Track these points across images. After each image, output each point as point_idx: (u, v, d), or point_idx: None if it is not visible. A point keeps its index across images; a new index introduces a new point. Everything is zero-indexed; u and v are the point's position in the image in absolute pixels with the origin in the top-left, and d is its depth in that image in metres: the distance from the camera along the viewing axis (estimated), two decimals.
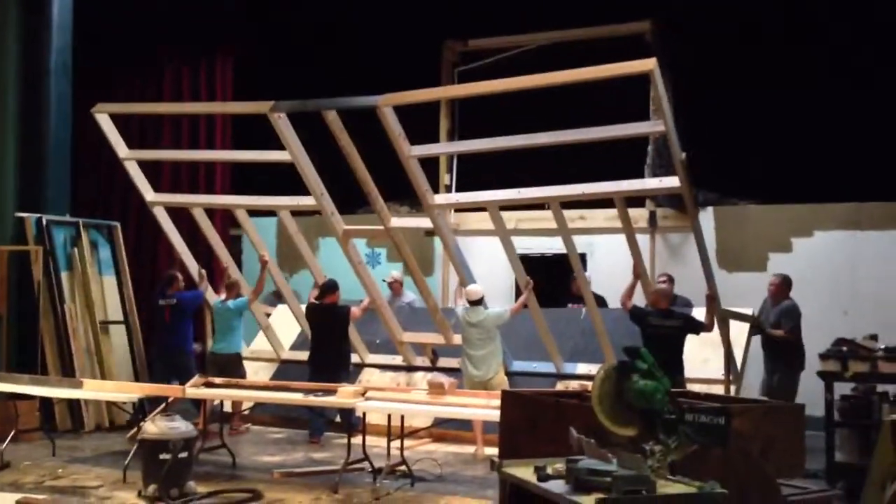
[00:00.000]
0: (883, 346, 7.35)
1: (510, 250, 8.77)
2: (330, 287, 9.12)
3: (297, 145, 8.71)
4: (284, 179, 9.41)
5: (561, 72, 7.41)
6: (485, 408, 7.10)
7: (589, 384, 4.40)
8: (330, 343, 8.95)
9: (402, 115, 8.22)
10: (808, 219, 10.32)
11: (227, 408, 9.22)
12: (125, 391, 8.28)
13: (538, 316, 8.91)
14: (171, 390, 7.95)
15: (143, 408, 8.43)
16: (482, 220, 10.51)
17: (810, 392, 7.67)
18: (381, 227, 9.09)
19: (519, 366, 9.40)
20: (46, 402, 8.94)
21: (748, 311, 8.68)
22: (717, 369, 8.37)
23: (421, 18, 11.39)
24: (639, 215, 10.45)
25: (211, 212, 10.57)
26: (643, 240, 10.09)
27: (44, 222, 9.78)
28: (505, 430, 5.29)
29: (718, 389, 7.88)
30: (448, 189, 11.74)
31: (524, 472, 3.69)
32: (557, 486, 3.46)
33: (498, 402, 5.79)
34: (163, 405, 7.62)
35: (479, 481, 7.33)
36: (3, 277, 9.59)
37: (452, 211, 11.08)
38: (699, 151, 7.77)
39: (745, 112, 10.09)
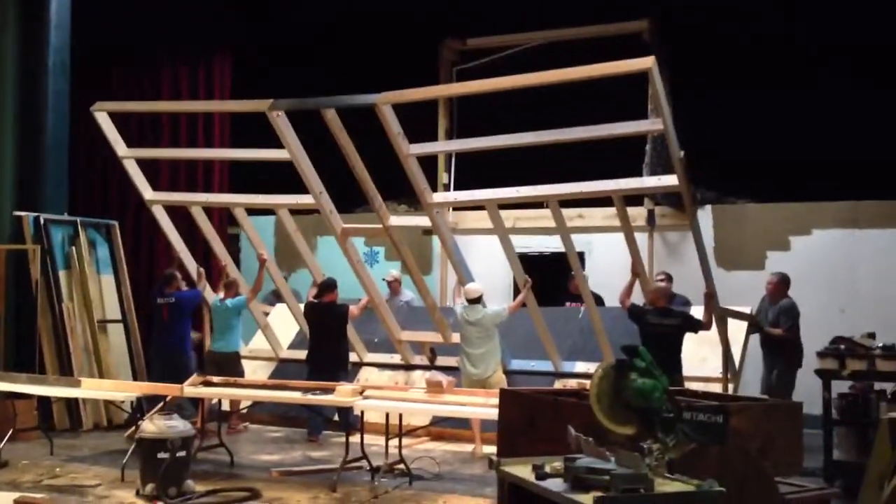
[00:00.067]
0: (880, 345, 7.36)
1: (508, 249, 8.78)
2: (328, 286, 9.12)
3: (296, 144, 8.71)
4: (283, 178, 9.40)
5: (559, 70, 7.42)
6: (483, 406, 7.11)
7: (587, 383, 4.40)
8: (328, 342, 8.95)
9: (401, 115, 8.22)
10: (806, 217, 10.33)
11: (226, 406, 9.22)
12: (123, 390, 8.27)
13: (536, 314, 8.92)
14: (170, 389, 7.95)
15: (142, 407, 8.42)
16: (480, 219, 10.51)
17: (808, 390, 7.68)
18: (380, 226, 9.09)
19: (517, 364, 9.41)
20: (44, 401, 8.94)
21: (746, 310, 8.69)
22: (715, 368, 8.38)
23: (419, 17, 11.38)
24: (637, 214, 10.45)
25: (209, 210, 10.57)
26: (641, 238, 10.10)
27: (41, 221, 9.78)
28: (503, 429, 5.29)
29: (716, 388, 7.89)
30: (446, 188, 11.74)
31: (522, 470, 3.69)
32: (556, 485, 3.46)
33: (496, 401, 5.79)
34: (161, 404, 7.61)
35: (478, 480, 7.33)
36: (0, 276, 9.58)
37: (451, 209, 11.08)
38: (697, 150, 7.77)
39: (743, 111, 10.09)
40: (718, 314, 7.99)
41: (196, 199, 10.32)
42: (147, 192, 10.04)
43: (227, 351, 9.39)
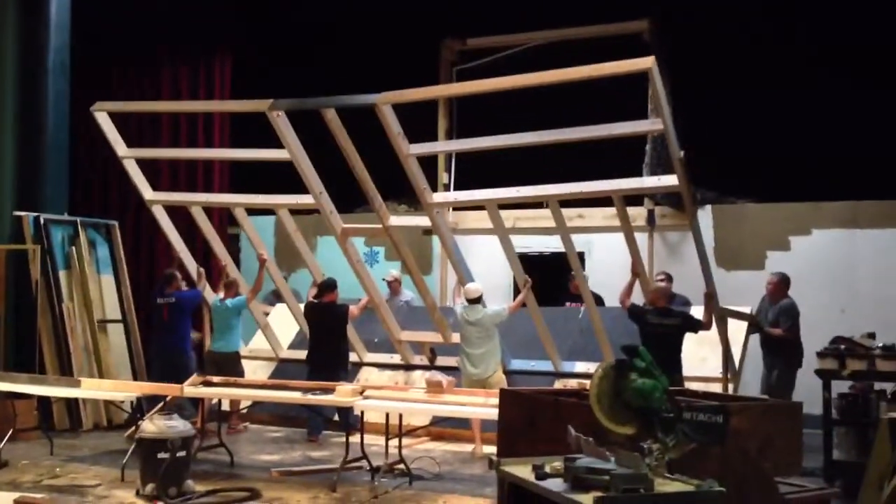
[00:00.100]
0: (880, 345, 7.35)
1: (508, 249, 8.78)
2: (328, 286, 9.13)
3: (296, 144, 8.71)
4: (283, 178, 9.40)
5: (559, 70, 7.41)
6: (483, 406, 7.10)
7: (587, 383, 4.40)
8: (328, 342, 8.95)
9: (401, 115, 8.22)
10: (806, 217, 10.33)
11: (226, 406, 9.22)
12: (123, 390, 8.27)
13: (537, 314, 8.92)
14: (169, 389, 7.95)
15: (142, 407, 8.42)
16: (480, 219, 10.51)
17: (808, 390, 7.68)
18: (380, 226, 9.09)
19: (517, 364, 9.40)
20: (44, 401, 8.93)
21: (746, 310, 8.69)
22: (715, 368, 8.38)
23: (419, 17, 11.38)
24: (637, 214, 10.45)
25: (209, 210, 10.57)
26: (641, 238, 10.11)
27: (42, 221, 9.78)
28: (503, 429, 5.29)
29: (716, 388, 7.89)
30: (446, 188, 11.74)
31: (522, 470, 3.68)
32: (556, 485, 3.45)
33: (496, 401, 5.79)
34: (161, 404, 7.61)
35: (478, 480, 7.33)
36: (0, 276, 9.58)
37: (451, 209, 11.08)
38: (697, 150, 7.77)
39: (743, 110, 10.09)
40: (718, 314, 7.99)
41: (196, 199, 10.32)
42: (147, 192, 10.04)
43: (227, 351, 9.39)
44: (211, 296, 9.97)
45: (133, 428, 8.12)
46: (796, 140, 9.84)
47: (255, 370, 10.40)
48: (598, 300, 9.50)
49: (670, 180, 7.65)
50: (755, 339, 8.79)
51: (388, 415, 7.60)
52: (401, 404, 7.51)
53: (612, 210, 8.89)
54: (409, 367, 10.03)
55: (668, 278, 9.11)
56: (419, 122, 9.99)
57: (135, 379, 9.98)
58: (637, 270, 8.42)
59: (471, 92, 8.80)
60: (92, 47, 11.69)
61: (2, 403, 8.45)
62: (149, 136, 12.41)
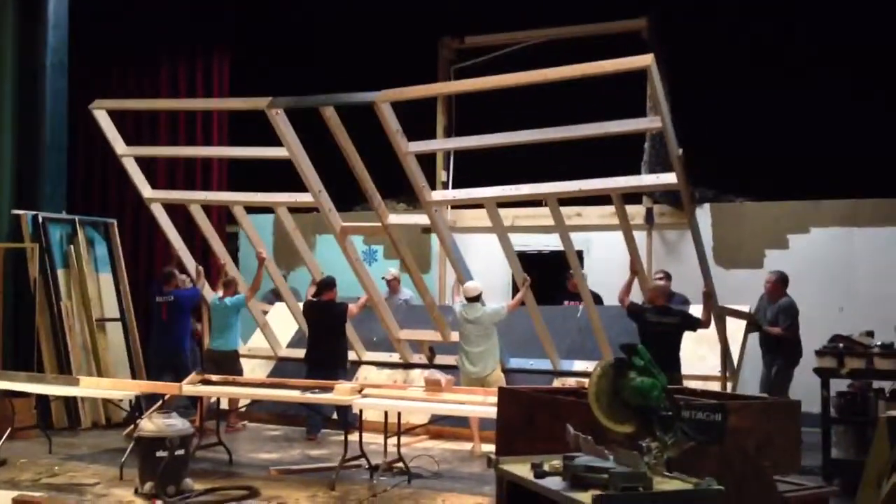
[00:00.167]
0: (879, 343, 7.36)
1: (507, 247, 8.77)
2: (327, 284, 9.12)
3: (295, 142, 8.70)
4: (282, 176, 9.39)
5: (558, 68, 7.41)
6: (482, 405, 7.10)
7: (585, 381, 4.40)
8: (327, 340, 8.95)
9: (399, 113, 8.22)
10: (805, 215, 10.33)
11: (225, 405, 9.22)
12: (122, 388, 8.27)
13: (535, 313, 8.91)
14: (168, 388, 7.94)
15: (140, 405, 8.42)
16: (479, 217, 10.51)
17: (807, 388, 7.68)
18: (379, 224, 9.08)
19: (516, 363, 9.40)
20: (43, 400, 8.92)
21: (745, 309, 8.69)
22: (714, 366, 8.38)
23: (417, 16, 11.38)
24: (635, 212, 10.45)
25: (208, 209, 10.57)
26: (640, 237, 10.10)
27: (40, 219, 9.77)
28: (502, 427, 5.29)
29: (715, 386, 7.90)
30: (445, 186, 11.73)
31: (521, 468, 3.68)
32: (554, 483, 3.45)
33: (495, 399, 5.79)
34: (159, 402, 7.61)
35: (476, 478, 7.33)
36: None
37: (449, 208, 11.08)
38: (695, 149, 7.77)
39: (742, 109, 10.09)
40: (717, 313, 7.99)
41: (195, 198, 10.32)
42: (146, 190, 10.03)
43: (225, 349, 9.38)
44: (210, 294, 9.97)
45: (132, 426, 8.12)
46: (795, 139, 9.85)
47: (254, 369, 10.40)
48: (597, 299, 9.49)
49: (669, 178, 7.65)
50: (754, 337, 8.79)
51: (386, 413, 7.59)
52: (399, 403, 7.51)
53: (610, 208, 8.89)
54: (407, 366, 10.03)
55: (667, 277, 9.12)
56: (418, 120, 9.99)
57: (133, 377, 9.98)
58: (636, 269, 8.43)
59: (469, 90, 8.79)
60: (90, 46, 11.68)
61: (0, 402, 8.46)
62: (147, 134, 12.41)
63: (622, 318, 8.32)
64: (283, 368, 10.16)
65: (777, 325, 8.54)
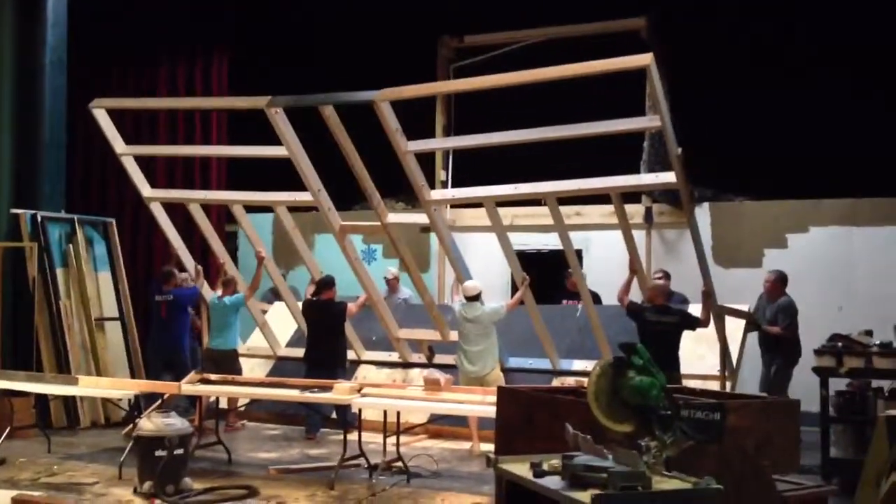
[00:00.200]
0: (878, 342, 7.36)
1: (506, 246, 8.77)
2: (326, 283, 9.12)
3: (294, 141, 8.70)
4: (281, 175, 9.38)
5: (557, 67, 7.41)
6: (480, 404, 7.10)
7: (585, 380, 4.40)
8: (326, 339, 8.95)
9: (399, 113, 8.21)
10: (804, 215, 10.33)
11: (224, 404, 9.21)
12: (121, 388, 8.27)
13: (534, 312, 8.91)
14: (167, 387, 7.94)
15: (139, 404, 8.42)
16: (478, 217, 10.51)
17: (806, 388, 7.68)
18: (378, 224, 9.08)
19: (515, 362, 9.40)
20: (42, 399, 8.93)
21: (744, 308, 8.69)
22: (713, 365, 8.38)
23: (416, 15, 11.38)
24: (634, 211, 10.45)
25: (207, 208, 10.56)
26: (639, 236, 10.10)
27: (39, 218, 9.76)
28: (501, 427, 5.29)
29: (714, 385, 7.90)
30: (444, 185, 11.73)
31: (520, 468, 3.68)
32: (553, 482, 3.45)
33: (494, 399, 5.79)
34: (158, 402, 7.61)
35: (475, 477, 7.33)
36: None
37: (448, 207, 11.07)
38: (695, 148, 7.77)
39: (741, 108, 10.09)
40: (716, 312, 7.99)
41: (194, 197, 10.31)
42: (145, 190, 10.02)
43: (225, 348, 9.38)
44: (209, 293, 9.96)
45: (130, 426, 8.12)
46: (794, 138, 9.85)
47: (253, 368, 10.39)
48: (595, 298, 9.48)
49: (668, 177, 7.65)
50: (754, 337, 8.79)
51: (385, 412, 7.59)
52: (399, 402, 7.51)
53: (609, 207, 8.88)
54: (407, 365, 10.03)
55: (666, 276, 9.12)
56: (417, 119, 9.98)
57: (132, 377, 9.97)
58: (635, 268, 8.42)
59: (469, 89, 8.79)
60: (90, 45, 11.67)
61: None
62: (146, 134, 12.40)
63: (621, 317, 8.32)
64: (282, 368, 10.16)
65: (776, 325, 8.54)
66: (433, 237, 11.08)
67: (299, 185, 9.06)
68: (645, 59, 6.99)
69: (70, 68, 10.39)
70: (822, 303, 9.54)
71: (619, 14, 10.78)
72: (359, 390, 7.47)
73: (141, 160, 10.26)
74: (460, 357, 8.56)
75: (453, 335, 9.00)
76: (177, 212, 10.45)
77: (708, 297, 7.91)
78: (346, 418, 7.92)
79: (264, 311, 10.84)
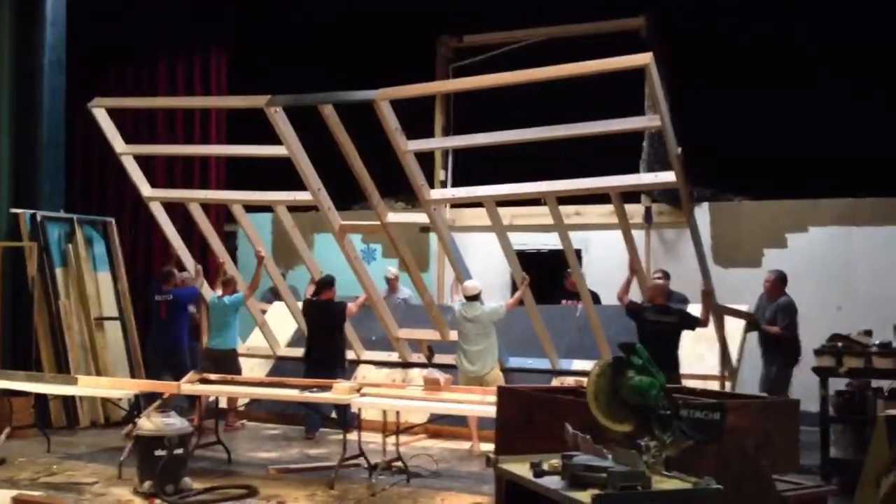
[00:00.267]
0: (877, 342, 7.36)
1: (506, 246, 8.77)
2: (326, 283, 9.12)
3: (294, 140, 8.69)
4: (281, 175, 9.38)
5: (557, 66, 7.40)
6: (480, 404, 7.10)
7: (584, 380, 4.40)
8: (326, 339, 8.94)
9: (398, 112, 8.21)
10: (803, 214, 10.34)
11: (223, 404, 9.21)
12: (120, 387, 8.27)
13: (534, 312, 8.91)
14: (167, 387, 7.93)
15: (139, 404, 8.41)
16: (478, 216, 10.51)
17: (805, 387, 7.69)
18: (378, 223, 9.08)
19: (515, 362, 9.40)
20: (41, 399, 8.92)
21: (744, 308, 8.69)
22: (712, 365, 8.39)
23: (416, 15, 11.37)
24: (634, 211, 10.44)
25: (206, 207, 10.55)
26: (638, 236, 10.10)
27: (38, 218, 9.76)
28: (501, 426, 5.29)
29: (714, 385, 7.90)
30: (443, 185, 11.72)
31: (520, 468, 3.68)
32: (553, 482, 3.45)
33: (493, 398, 5.79)
34: (158, 401, 7.60)
35: (475, 477, 7.33)
36: None
37: (448, 206, 11.07)
38: (694, 147, 7.77)
39: (741, 108, 10.09)
40: (716, 312, 7.99)
41: (194, 196, 10.30)
42: (145, 189, 10.01)
43: (224, 348, 9.37)
44: (209, 293, 9.96)
45: (130, 425, 8.12)
46: (793, 137, 9.85)
47: (253, 368, 10.38)
48: (595, 298, 9.48)
49: (668, 177, 7.65)
50: (754, 336, 8.79)
51: (385, 412, 7.59)
52: (398, 402, 7.51)
53: (609, 207, 8.88)
54: (406, 365, 10.02)
55: (666, 276, 9.11)
56: (416, 119, 9.97)
57: (132, 376, 9.97)
58: (635, 267, 8.42)
59: (468, 88, 8.79)
60: (88, 45, 11.65)
61: None
62: (145, 133, 12.38)
63: (621, 317, 8.32)
64: (281, 367, 10.15)
65: (776, 325, 8.54)
66: (433, 237, 11.08)
67: (299, 185, 9.05)
68: (644, 58, 6.99)
69: (69, 68, 10.38)
70: (821, 303, 9.53)
71: (619, 14, 10.79)
72: (358, 390, 7.47)
73: (140, 160, 10.25)
74: (460, 356, 8.56)
75: (453, 335, 9.00)
76: (176, 211, 10.45)
77: (708, 296, 7.91)
78: (346, 418, 7.92)
79: (264, 311, 10.84)
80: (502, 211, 9.26)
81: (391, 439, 7.60)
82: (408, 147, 8.30)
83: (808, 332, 8.35)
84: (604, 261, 10.59)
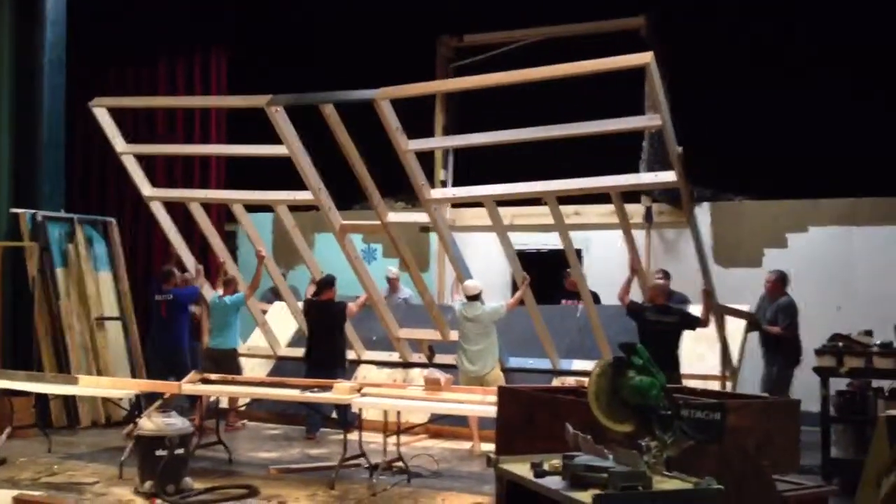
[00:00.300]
0: (878, 342, 7.36)
1: (506, 246, 8.77)
2: (327, 283, 9.12)
3: (295, 140, 8.69)
4: (281, 174, 9.38)
5: (557, 66, 7.40)
6: (481, 404, 7.10)
7: (585, 380, 4.40)
8: (327, 339, 8.94)
9: (399, 112, 8.21)
10: (804, 214, 10.34)
11: (224, 404, 9.21)
12: (121, 387, 8.27)
13: (534, 312, 8.91)
14: (167, 386, 7.93)
15: (140, 404, 8.41)
16: (478, 216, 10.51)
17: (806, 387, 7.69)
18: (378, 223, 9.08)
19: (515, 362, 9.40)
20: (42, 399, 8.92)
21: (744, 308, 8.69)
22: (713, 365, 8.39)
23: (416, 14, 11.37)
24: (634, 211, 10.44)
25: (207, 207, 10.55)
26: (639, 235, 10.11)
27: (39, 218, 9.76)
28: (501, 426, 5.29)
29: (715, 385, 7.90)
30: (444, 185, 11.72)
31: (521, 468, 3.68)
32: (554, 482, 3.45)
33: (494, 398, 5.79)
34: (158, 401, 7.61)
35: (476, 477, 7.33)
36: None
37: (449, 206, 11.07)
38: (694, 147, 7.77)
39: (741, 108, 10.09)
40: (716, 311, 7.99)
41: (195, 196, 10.30)
42: (145, 189, 10.01)
43: (225, 348, 9.37)
44: (209, 293, 9.96)
45: (131, 425, 8.12)
46: (794, 137, 9.85)
47: (254, 367, 10.39)
48: (595, 298, 9.48)
49: (668, 177, 7.64)
50: (754, 336, 8.79)
51: (386, 412, 7.60)
52: (399, 402, 7.51)
53: (609, 207, 8.88)
54: (407, 365, 10.02)
55: (666, 276, 9.11)
56: (417, 118, 9.97)
57: (133, 376, 9.96)
58: (636, 267, 8.42)
59: (469, 87, 8.79)
60: (88, 44, 11.65)
61: None
62: (144, 133, 12.37)
63: (621, 316, 8.32)
64: (282, 367, 10.15)
65: (776, 325, 8.54)
66: (433, 236, 11.08)
67: (299, 184, 9.05)
68: (645, 57, 6.99)
69: (69, 67, 10.38)
70: (821, 302, 9.53)
71: (619, 13, 10.79)
72: (359, 390, 7.47)
73: (140, 159, 10.25)
74: (460, 356, 8.56)
75: (453, 335, 9.00)
76: (177, 211, 10.45)
77: (708, 296, 7.91)
78: (347, 418, 7.92)
79: (264, 311, 10.84)
80: (503, 211, 9.26)
81: (392, 439, 7.60)
82: (408, 146, 8.30)
83: (809, 332, 8.35)
84: (604, 261, 10.60)
